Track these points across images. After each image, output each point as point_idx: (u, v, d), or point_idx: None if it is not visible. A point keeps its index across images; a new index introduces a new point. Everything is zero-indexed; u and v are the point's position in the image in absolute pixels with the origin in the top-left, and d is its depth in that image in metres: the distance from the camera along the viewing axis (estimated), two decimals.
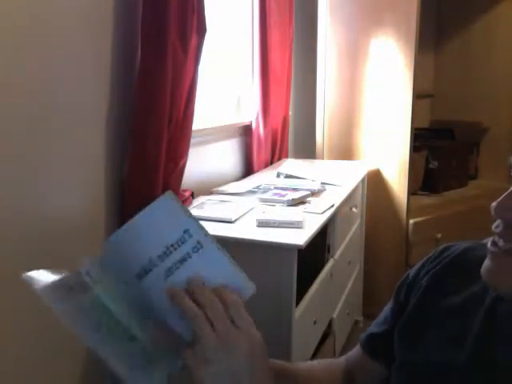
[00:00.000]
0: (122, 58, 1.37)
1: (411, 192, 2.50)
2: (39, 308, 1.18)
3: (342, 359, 0.84)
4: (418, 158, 2.66)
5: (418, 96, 2.43)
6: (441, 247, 0.74)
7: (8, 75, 1.04)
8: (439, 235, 2.50)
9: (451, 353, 0.61)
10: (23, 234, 1.11)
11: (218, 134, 1.99)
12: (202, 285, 0.58)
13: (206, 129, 1.86)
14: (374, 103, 2.53)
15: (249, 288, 0.62)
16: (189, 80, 1.50)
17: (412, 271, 0.75)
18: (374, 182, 2.53)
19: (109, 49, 1.32)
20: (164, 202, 0.60)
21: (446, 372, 0.60)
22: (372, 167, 2.53)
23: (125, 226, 0.60)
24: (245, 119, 2.21)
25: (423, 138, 2.78)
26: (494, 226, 0.56)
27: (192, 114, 1.54)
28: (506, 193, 0.55)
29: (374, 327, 0.79)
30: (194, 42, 1.48)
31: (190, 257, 0.60)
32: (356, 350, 0.82)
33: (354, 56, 2.59)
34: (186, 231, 0.60)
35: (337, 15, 2.62)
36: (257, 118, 2.19)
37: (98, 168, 1.32)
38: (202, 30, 1.51)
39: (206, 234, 0.61)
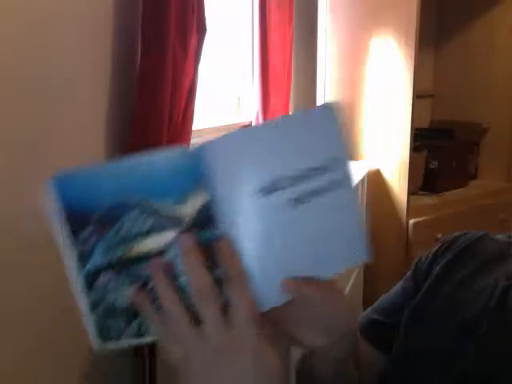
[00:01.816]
0: (122, 57, 1.37)
1: (411, 192, 2.50)
2: (39, 308, 1.19)
3: None
4: (418, 157, 2.66)
5: (418, 96, 2.43)
6: (453, 236, 0.73)
7: (7, 76, 1.04)
8: (439, 235, 2.49)
9: (461, 341, 0.61)
10: (23, 234, 1.11)
11: (218, 133, 1.98)
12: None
13: (206, 129, 1.86)
14: (374, 103, 2.53)
15: (364, 257, 0.51)
16: (189, 80, 1.50)
17: (423, 261, 0.74)
18: (374, 182, 2.53)
19: (108, 49, 1.32)
20: (322, 113, 0.46)
21: (455, 361, 0.60)
22: (372, 167, 2.53)
23: (263, 126, 0.47)
24: (245, 119, 2.21)
25: (423, 138, 2.78)
26: None
27: (192, 114, 1.54)
28: None
29: (379, 314, 0.77)
30: (194, 41, 1.48)
31: (325, 193, 0.45)
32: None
33: (354, 56, 2.59)
34: (333, 158, 0.45)
35: (337, 15, 2.62)
36: (257, 117, 2.19)
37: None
38: (202, 29, 1.51)
39: (350, 172, 0.46)
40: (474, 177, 3.04)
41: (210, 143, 0.45)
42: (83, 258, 0.44)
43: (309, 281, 0.47)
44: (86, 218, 0.43)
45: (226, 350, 0.42)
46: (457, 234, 0.73)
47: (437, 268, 0.70)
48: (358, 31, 2.55)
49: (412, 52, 2.34)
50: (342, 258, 0.50)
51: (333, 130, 0.46)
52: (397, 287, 0.78)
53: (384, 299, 0.79)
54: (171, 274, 0.43)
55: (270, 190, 0.44)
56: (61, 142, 1.19)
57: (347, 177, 0.46)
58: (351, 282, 2.19)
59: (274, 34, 2.22)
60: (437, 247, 0.74)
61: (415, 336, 0.67)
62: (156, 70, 1.35)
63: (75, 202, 0.44)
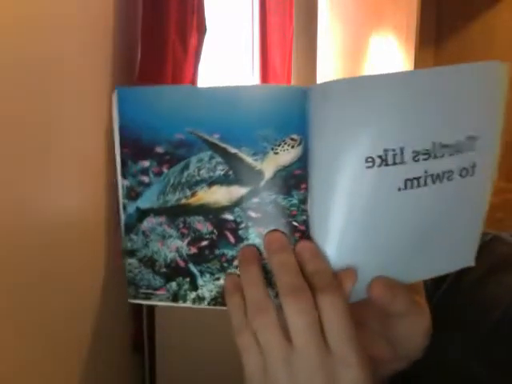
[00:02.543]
0: (122, 57, 1.37)
1: None
2: (39, 308, 1.19)
3: None
4: None
5: None
6: None
7: (6, 77, 1.04)
8: None
9: (471, 360, 0.58)
10: (22, 235, 1.11)
11: None
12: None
13: None
14: None
15: (469, 261, 0.41)
16: (189, 80, 1.50)
17: None
18: None
19: (109, 48, 1.32)
20: (487, 70, 0.34)
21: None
22: None
23: (405, 74, 0.34)
24: None
25: None
26: None
27: None
28: None
29: None
30: (194, 41, 1.48)
31: (452, 178, 0.35)
32: None
33: (353, 56, 2.59)
34: (474, 137, 0.34)
35: (337, 15, 2.62)
36: None
37: (98, 169, 1.32)
38: (202, 29, 1.51)
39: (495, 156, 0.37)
40: None
41: (324, 85, 0.33)
42: (133, 193, 0.38)
43: (401, 289, 0.37)
44: (148, 147, 0.36)
45: (318, 374, 0.33)
46: None
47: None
48: (358, 30, 2.55)
49: (412, 51, 2.34)
50: (445, 261, 0.40)
51: (494, 98, 0.34)
52: None
53: None
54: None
55: (385, 161, 0.33)
56: (61, 141, 1.19)
57: (489, 162, 0.36)
58: None
59: (274, 33, 2.22)
60: None
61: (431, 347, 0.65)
62: (156, 69, 1.35)
63: (139, 126, 0.36)
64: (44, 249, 1.17)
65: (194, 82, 1.52)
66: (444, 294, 0.64)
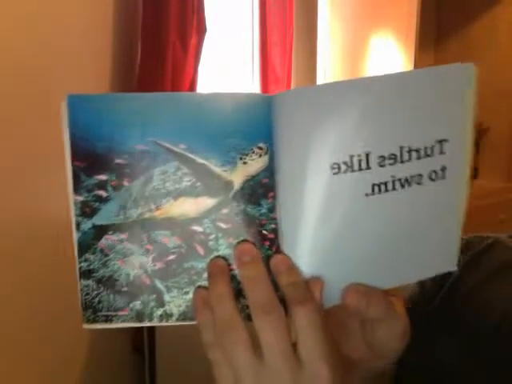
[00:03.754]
0: (122, 57, 1.37)
1: None
2: (38, 308, 1.19)
3: None
4: None
5: None
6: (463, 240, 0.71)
7: (6, 77, 1.04)
8: None
9: (472, 361, 0.58)
10: (23, 235, 1.11)
11: None
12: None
13: None
14: None
15: (450, 266, 0.40)
16: (189, 80, 1.50)
17: None
18: None
19: (109, 49, 1.32)
20: (453, 72, 0.34)
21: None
22: None
23: (368, 80, 0.33)
24: None
25: None
26: None
27: None
28: None
29: None
30: (194, 41, 1.48)
31: (421, 182, 0.35)
32: None
33: (353, 56, 2.59)
34: (443, 140, 0.34)
35: (337, 15, 2.62)
36: None
37: None
38: (202, 29, 1.51)
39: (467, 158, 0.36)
40: (474, 177, 3.04)
41: (288, 93, 0.33)
42: (88, 209, 0.36)
43: (375, 295, 0.37)
44: (105, 159, 0.34)
45: None
46: (465, 237, 0.71)
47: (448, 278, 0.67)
48: (358, 31, 2.55)
49: (412, 52, 2.34)
50: (424, 265, 0.39)
51: (456, 97, 0.34)
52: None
53: None
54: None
55: (351, 167, 0.33)
56: (60, 142, 1.19)
57: (460, 161, 0.35)
58: None
59: (274, 33, 2.22)
60: None
61: (426, 349, 0.65)
62: (156, 69, 1.35)
63: (94, 136, 0.33)
64: (43, 248, 1.17)
65: (193, 82, 1.52)
66: (443, 297, 0.64)
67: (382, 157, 0.33)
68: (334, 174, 0.33)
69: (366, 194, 0.34)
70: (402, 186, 0.34)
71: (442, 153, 0.35)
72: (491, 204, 2.72)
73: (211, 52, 1.90)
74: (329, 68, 2.68)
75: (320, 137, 0.32)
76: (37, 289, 1.15)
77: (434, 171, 0.35)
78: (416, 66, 2.35)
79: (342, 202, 0.34)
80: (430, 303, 0.66)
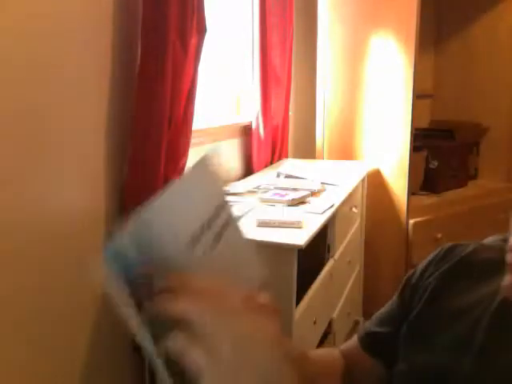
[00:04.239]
0: (122, 57, 1.37)
1: (411, 192, 2.50)
2: (39, 308, 1.19)
3: (339, 354, 0.81)
4: (418, 157, 2.66)
5: (418, 96, 2.43)
6: (445, 247, 0.71)
7: (7, 76, 1.04)
8: (439, 235, 2.50)
9: (458, 354, 0.60)
10: (23, 235, 1.11)
11: (217, 134, 1.99)
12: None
13: (206, 129, 1.86)
14: (374, 103, 2.53)
15: (263, 273, 0.58)
16: (189, 80, 1.50)
17: (417, 271, 0.73)
18: (374, 182, 2.53)
19: (109, 49, 1.32)
20: (202, 168, 0.51)
21: (453, 373, 0.60)
22: (372, 167, 2.53)
23: (164, 196, 0.48)
24: (245, 119, 2.21)
25: (423, 138, 2.78)
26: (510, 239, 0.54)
27: (192, 114, 1.54)
28: None
29: (375, 326, 0.77)
30: (194, 41, 1.48)
31: (222, 234, 0.52)
32: (353, 346, 0.79)
33: (354, 56, 2.59)
34: (219, 205, 0.52)
35: (337, 15, 2.62)
36: (257, 118, 2.19)
37: (98, 168, 1.32)
38: (201, 29, 1.51)
39: (233, 209, 0.54)
40: (474, 177, 3.04)
41: (137, 223, 0.46)
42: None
43: None
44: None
45: None
46: (449, 245, 0.72)
47: (431, 280, 0.69)
48: (358, 31, 2.55)
49: (412, 52, 2.34)
50: (248, 279, 0.58)
51: (213, 179, 0.53)
52: (391, 300, 0.77)
53: (379, 312, 0.78)
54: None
55: (194, 242, 0.50)
56: (61, 141, 1.19)
57: (231, 212, 0.55)
58: (351, 281, 2.19)
59: (274, 34, 2.22)
60: (430, 259, 0.72)
61: (413, 351, 0.67)
62: (156, 70, 1.35)
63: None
64: (44, 248, 1.17)
65: (193, 82, 1.52)
66: (422, 307, 0.68)
67: (197, 231, 0.50)
68: (191, 249, 0.49)
69: (209, 250, 0.51)
70: (217, 240, 0.52)
71: (222, 210, 0.53)
72: (491, 204, 2.72)
73: (211, 52, 1.90)
74: (329, 68, 2.68)
75: (173, 236, 0.48)
76: (38, 288, 1.15)
77: (223, 224, 0.53)
78: (416, 66, 2.35)
79: (202, 262, 0.50)
80: (410, 314, 0.69)
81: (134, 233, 0.45)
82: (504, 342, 0.58)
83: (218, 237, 0.52)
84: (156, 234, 0.47)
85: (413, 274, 0.73)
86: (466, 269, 0.67)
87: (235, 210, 0.54)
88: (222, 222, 0.52)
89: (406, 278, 0.74)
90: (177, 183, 0.49)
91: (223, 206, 0.53)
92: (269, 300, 0.54)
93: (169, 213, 0.48)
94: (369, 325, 0.78)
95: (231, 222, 0.54)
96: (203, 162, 0.51)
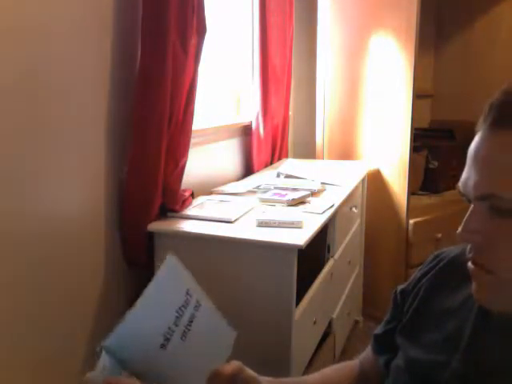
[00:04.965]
0: (122, 57, 1.37)
1: (411, 192, 2.50)
2: (39, 308, 1.19)
3: (357, 361, 0.86)
4: (418, 158, 2.66)
5: (418, 96, 2.43)
6: (434, 254, 0.76)
7: (7, 75, 1.04)
8: (439, 235, 2.50)
9: (447, 353, 0.63)
10: (23, 235, 1.11)
11: (217, 134, 1.99)
12: None
13: (206, 129, 1.86)
14: (374, 103, 2.53)
15: (232, 335, 0.69)
16: (189, 80, 1.50)
17: (409, 280, 0.78)
18: (374, 182, 2.53)
19: (109, 49, 1.32)
20: (169, 267, 0.61)
21: (443, 371, 0.62)
22: (372, 167, 2.53)
23: (138, 305, 0.57)
24: (245, 119, 2.21)
25: (423, 138, 2.78)
26: (467, 251, 0.57)
27: (192, 114, 1.54)
28: (466, 217, 0.55)
29: (378, 329, 0.82)
30: (194, 41, 1.48)
31: (195, 316, 0.62)
32: (367, 352, 0.85)
33: (353, 56, 2.59)
34: (187, 291, 0.62)
35: (337, 15, 2.62)
36: (257, 117, 2.19)
37: (97, 168, 1.32)
38: (202, 29, 1.51)
39: (201, 290, 0.64)
40: None
41: (111, 339, 0.57)
42: None
43: None
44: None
45: None
46: (436, 252, 0.76)
47: (423, 283, 0.73)
48: (358, 31, 2.55)
49: (412, 52, 2.34)
50: (224, 348, 0.69)
51: (180, 273, 0.62)
52: (390, 305, 0.82)
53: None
54: None
55: (167, 340, 0.58)
56: (61, 141, 1.19)
57: (201, 293, 0.63)
58: (351, 281, 2.19)
59: (274, 34, 2.22)
60: (420, 267, 0.77)
61: (405, 349, 0.70)
62: (156, 70, 1.35)
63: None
64: (44, 247, 1.17)
65: (193, 82, 1.52)
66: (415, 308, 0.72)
67: (175, 322, 0.60)
68: (162, 348, 0.59)
69: (182, 341, 0.61)
70: (190, 324, 0.61)
71: (191, 296, 0.62)
72: None
73: (211, 52, 1.90)
74: (329, 68, 2.68)
75: (145, 343, 0.58)
76: (38, 288, 1.15)
77: (194, 306, 0.62)
78: (416, 66, 2.35)
79: (178, 352, 0.61)
80: (404, 315, 0.73)
81: (111, 348, 0.55)
82: (488, 342, 0.60)
83: (189, 325, 0.61)
84: (130, 345, 0.55)
85: (405, 282, 0.78)
86: (453, 271, 0.70)
87: (203, 295, 0.64)
88: (193, 303, 0.62)
89: (396, 288, 0.79)
90: (148, 290, 0.58)
91: (190, 290, 0.62)
92: (235, 367, 0.62)
93: (140, 325, 0.56)
94: (376, 330, 0.83)
95: (202, 301, 0.63)
96: (170, 261, 0.60)
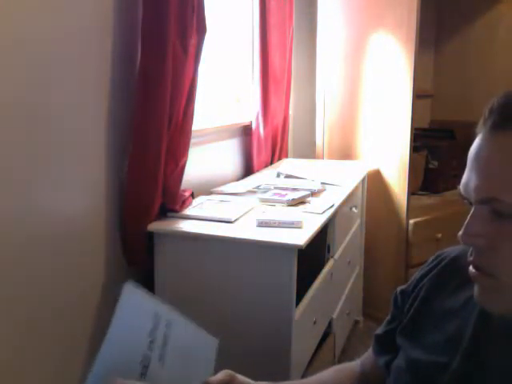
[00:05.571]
0: (122, 57, 1.37)
1: (411, 192, 2.50)
2: (39, 308, 1.19)
3: (358, 362, 0.86)
4: (418, 158, 2.65)
5: (417, 96, 2.43)
6: (434, 255, 0.76)
7: (7, 75, 1.04)
8: (439, 235, 2.50)
9: (449, 354, 0.63)
10: (23, 235, 1.11)
11: (217, 134, 1.99)
12: None
13: (205, 129, 1.86)
14: (374, 103, 2.53)
15: (213, 342, 0.69)
16: (189, 80, 1.50)
17: (409, 281, 0.77)
18: (374, 182, 2.53)
19: (109, 49, 1.32)
20: (128, 295, 0.60)
21: (444, 372, 0.61)
22: (372, 167, 2.53)
23: (106, 341, 0.58)
24: (245, 119, 2.21)
25: (423, 138, 2.78)
26: (468, 254, 0.56)
27: (192, 114, 1.54)
28: (467, 220, 0.55)
29: (379, 330, 0.82)
30: (194, 41, 1.48)
31: (169, 335, 0.62)
32: (369, 352, 0.85)
33: (353, 56, 2.59)
34: (155, 314, 0.62)
35: (337, 15, 2.62)
36: (257, 117, 2.19)
37: (98, 168, 1.32)
38: (202, 29, 1.51)
39: (168, 307, 0.64)
40: None
41: (88, 381, 0.55)
42: None
43: None
44: None
45: None
46: (437, 252, 0.76)
47: (424, 284, 0.72)
48: (358, 31, 2.55)
49: (412, 52, 2.34)
50: (207, 358, 0.69)
51: (142, 299, 0.61)
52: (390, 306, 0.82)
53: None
54: None
55: (145, 368, 0.58)
56: (62, 141, 1.19)
57: (169, 312, 0.63)
58: (351, 281, 2.19)
59: (274, 34, 2.22)
60: (420, 268, 0.76)
61: (406, 350, 0.70)
62: (156, 70, 1.35)
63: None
64: (44, 247, 1.17)
65: (193, 82, 1.52)
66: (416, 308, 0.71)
67: (149, 347, 0.60)
68: (142, 376, 0.59)
69: (161, 365, 0.61)
70: (165, 345, 0.61)
71: (160, 318, 0.62)
72: None
73: (211, 52, 1.90)
74: (329, 68, 2.68)
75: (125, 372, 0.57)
76: (38, 288, 1.15)
77: (166, 325, 0.62)
78: (416, 66, 2.35)
79: (158, 377, 0.61)
80: (405, 315, 0.73)
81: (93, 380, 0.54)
82: (489, 343, 0.60)
83: (164, 346, 0.61)
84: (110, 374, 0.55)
85: (406, 284, 0.78)
86: (454, 271, 0.70)
87: (173, 312, 0.64)
88: (163, 324, 0.61)
89: (399, 289, 0.79)
90: (113, 324, 0.58)
91: (159, 313, 0.62)
92: (225, 376, 0.64)
93: (113, 360, 0.57)
94: (377, 330, 0.83)
95: (172, 318, 0.63)
96: (128, 290, 0.60)
